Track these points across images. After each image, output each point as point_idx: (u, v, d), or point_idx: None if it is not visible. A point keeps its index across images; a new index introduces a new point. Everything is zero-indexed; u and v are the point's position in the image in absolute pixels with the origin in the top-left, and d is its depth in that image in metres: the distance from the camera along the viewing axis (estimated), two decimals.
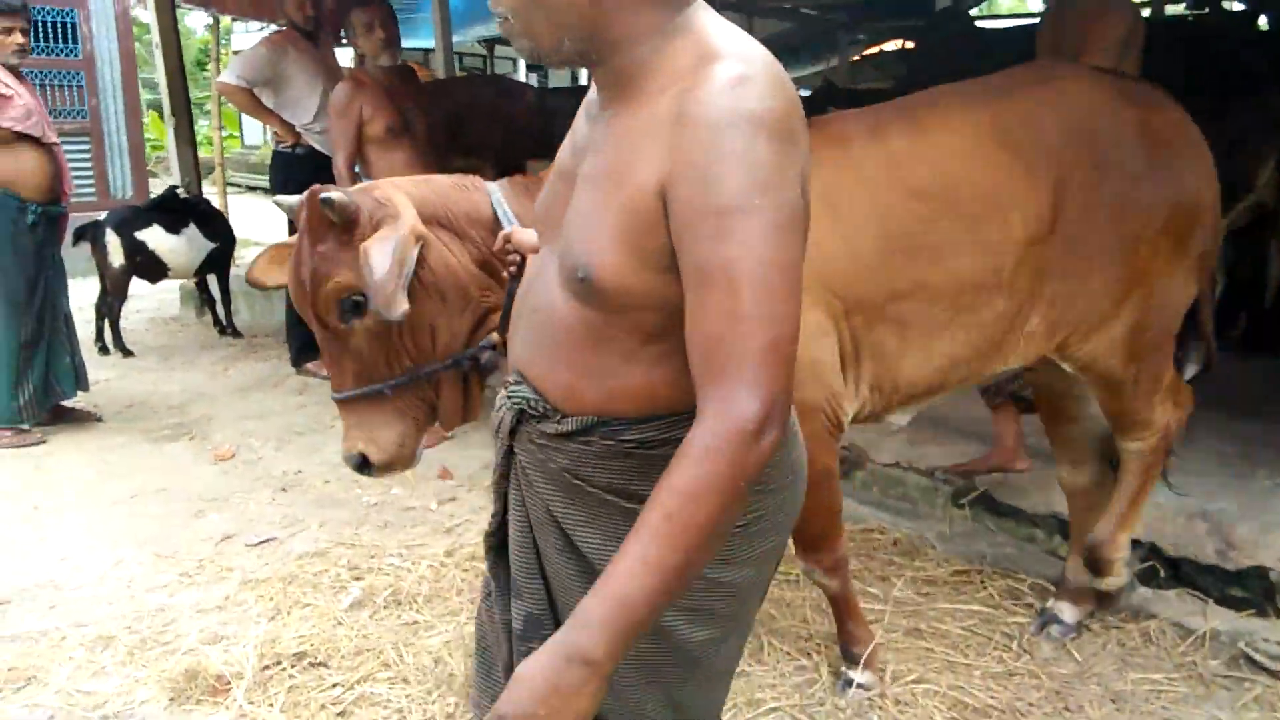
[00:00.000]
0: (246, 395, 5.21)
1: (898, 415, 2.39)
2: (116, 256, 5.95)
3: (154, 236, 6.04)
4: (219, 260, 6.47)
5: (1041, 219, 2.17)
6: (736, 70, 1.07)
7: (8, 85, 4.21)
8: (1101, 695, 2.43)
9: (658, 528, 1.01)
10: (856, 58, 10.11)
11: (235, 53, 11.16)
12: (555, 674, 1.00)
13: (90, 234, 5.93)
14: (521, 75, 13.30)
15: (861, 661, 2.41)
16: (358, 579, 3.06)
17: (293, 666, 2.57)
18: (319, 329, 1.94)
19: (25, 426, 4.42)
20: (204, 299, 6.73)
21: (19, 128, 4.19)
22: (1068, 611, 2.67)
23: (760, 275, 1.02)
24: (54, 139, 4.40)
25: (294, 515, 3.60)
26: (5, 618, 2.88)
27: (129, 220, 6.06)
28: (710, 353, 1.03)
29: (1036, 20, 5.32)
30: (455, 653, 2.61)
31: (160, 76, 7.40)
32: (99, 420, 4.76)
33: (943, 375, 2.27)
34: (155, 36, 7.32)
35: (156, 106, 11.54)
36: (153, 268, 6.12)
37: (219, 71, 7.53)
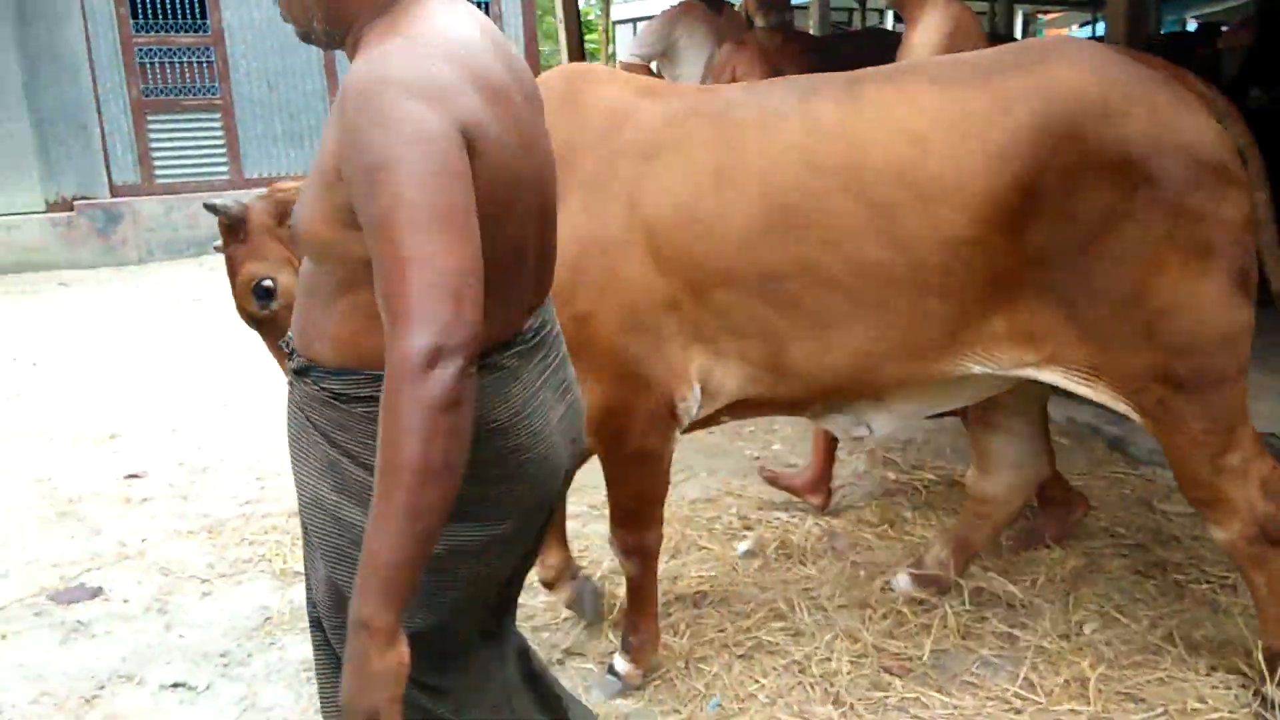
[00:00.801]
0: None
1: (841, 420, 2.29)
2: None
3: None
4: None
5: (990, 221, 1.94)
6: (391, 44, 1.17)
7: None
8: None
9: (378, 482, 1.07)
10: None
11: (615, 24, 11.77)
12: (351, 650, 1.08)
13: None
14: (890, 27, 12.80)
15: (630, 653, 2.38)
16: (748, 528, 3.20)
17: (694, 606, 2.75)
18: (249, 321, 2.31)
19: None
20: None
21: None
22: (903, 579, 2.72)
23: (412, 220, 1.06)
24: None
25: (684, 461, 3.81)
26: None
27: None
28: (384, 302, 1.08)
29: None
30: (842, 611, 2.64)
31: (563, 53, 8.03)
32: None
33: (857, 370, 2.10)
34: (559, 12, 7.96)
35: None
36: None
37: (606, 44, 7.96)
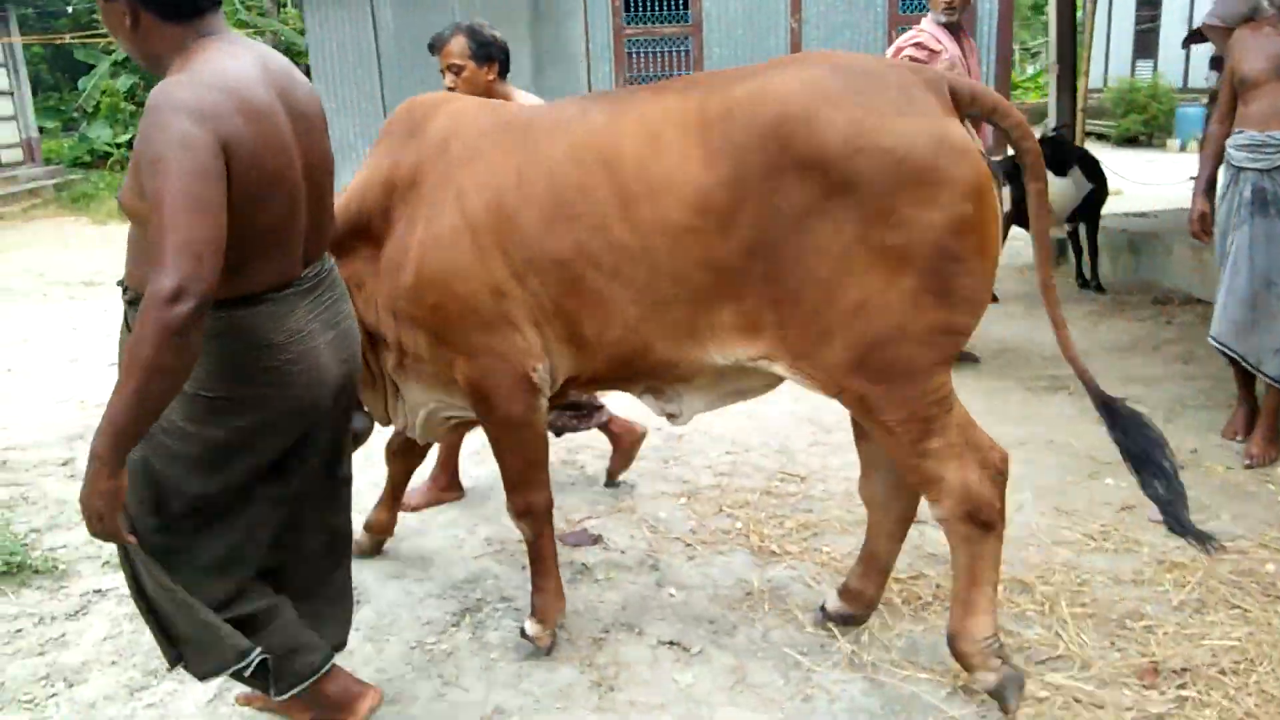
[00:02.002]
0: (1125, 357, 5.01)
1: (654, 401, 2.50)
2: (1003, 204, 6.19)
3: None
4: (1091, 207, 6.31)
5: (702, 212, 2.13)
6: (178, 76, 1.71)
7: (938, 40, 4.56)
8: None
9: (124, 366, 1.64)
10: None
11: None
12: (87, 472, 1.68)
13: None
14: None
15: (536, 614, 2.65)
16: None
17: (1224, 674, 2.36)
18: None
19: None
20: (1073, 246, 6.65)
21: None
22: (832, 602, 2.73)
23: (173, 201, 1.59)
24: None
25: (1199, 500, 3.31)
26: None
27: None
28: (152, 254, 1.60)
29: None
30: None
31: (1051, 28, 7.41)
32: (976, 361, 5.03)
33: (633, 345, 2.32)
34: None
35: None
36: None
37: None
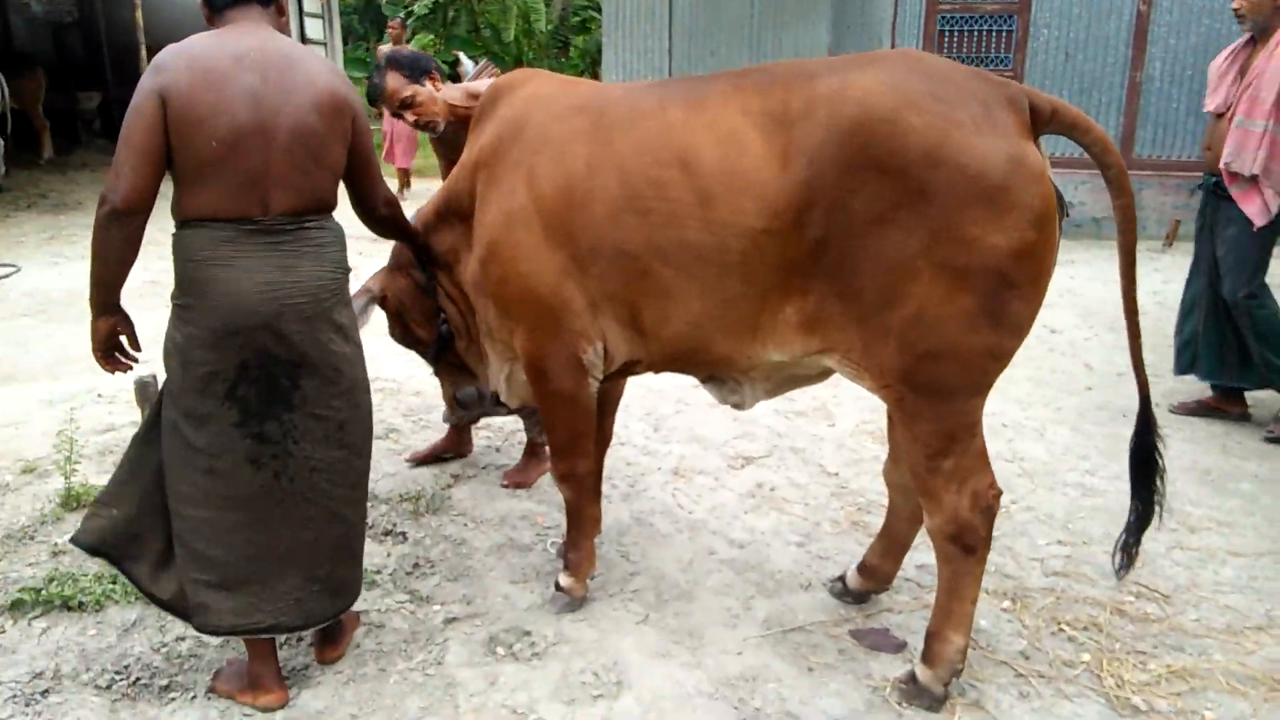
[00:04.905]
0: None
1: (716, 388, 2.56)
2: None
3: None
4: None
5: (779, 214, 2.14)
6: (180, 44, 2.17)
7: None
8: None
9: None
10: None
11: None
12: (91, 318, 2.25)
13: None
14: None
15: (570, 569, 2.82)
16: None
17: None
18: None
19: None
20: None
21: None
22: (851, 578, 2.85)
23: (121, 134, 2.09)
24: None
25: None
26: None
27: None
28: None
29: None
30: None
31: None
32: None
33: (693, 340, 2.38)
34: None
35: None
36: None
37: None
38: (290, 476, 2.25)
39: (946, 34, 9.15)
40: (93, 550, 2.34)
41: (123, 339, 2.30)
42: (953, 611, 2.36)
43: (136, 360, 2.36)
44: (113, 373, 2.33)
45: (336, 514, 2.34)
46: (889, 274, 2.08)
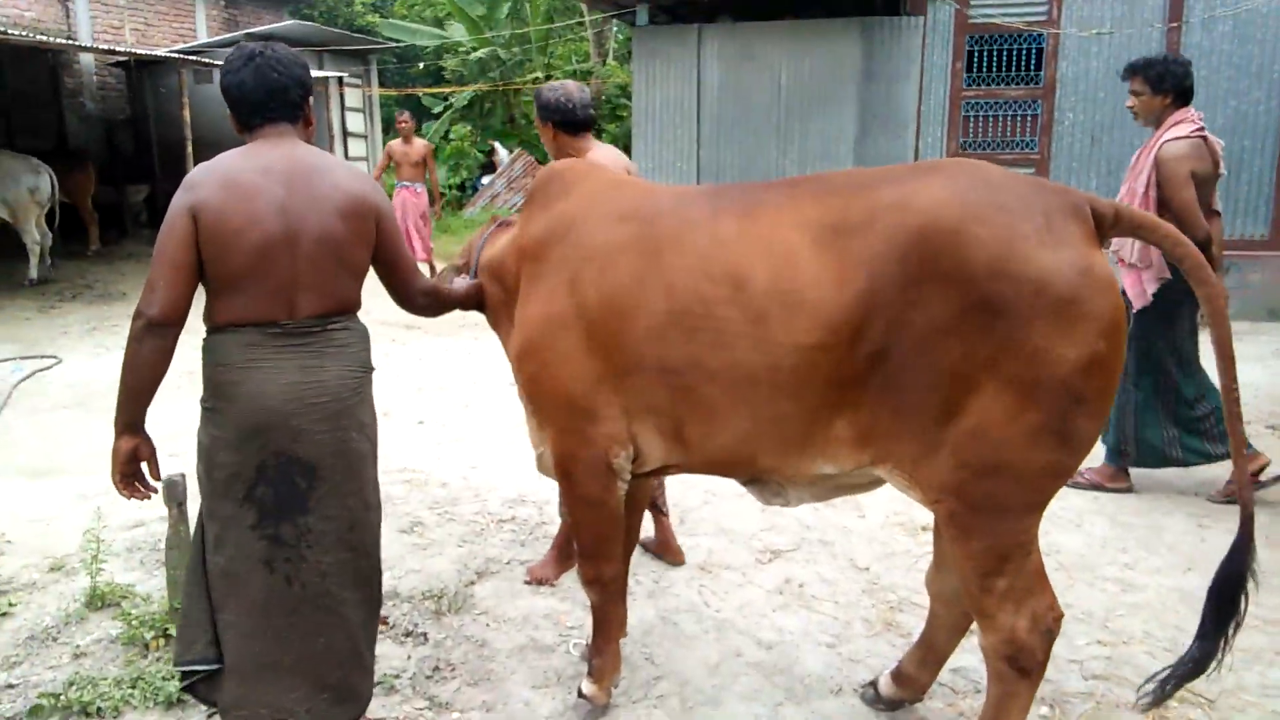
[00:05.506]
0: None
1: (760, 490, 2.45)
2: None
3: None
4: None
5: (836, 330, 2.09)
6: (212, 161, 2.29)
7: None
8: None
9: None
10: None
11: None
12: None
13: None
14: None
15: (593, 675, 2.73)
16: None
17: None
18: None
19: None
20: None
21: None
22: (884, 685, 2.75)
23: (154, 249, 2.20)
24: None
25: None
26: None
27: None
28: None
29: None
30: None
31: None
32: None
33: (738, 454, 2.31)
34: None
35: None
36: None
37: None
38: (303, 582, 2.25)
39: (971, 119, 9.25)
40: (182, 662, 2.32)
41: (143, 465, 2.29)
42: None
43: (156, 490, 2.36)
44: (129, 499, 2.31)
45: (346, 619, 2.32)
46: (948, 387, 2.02)
